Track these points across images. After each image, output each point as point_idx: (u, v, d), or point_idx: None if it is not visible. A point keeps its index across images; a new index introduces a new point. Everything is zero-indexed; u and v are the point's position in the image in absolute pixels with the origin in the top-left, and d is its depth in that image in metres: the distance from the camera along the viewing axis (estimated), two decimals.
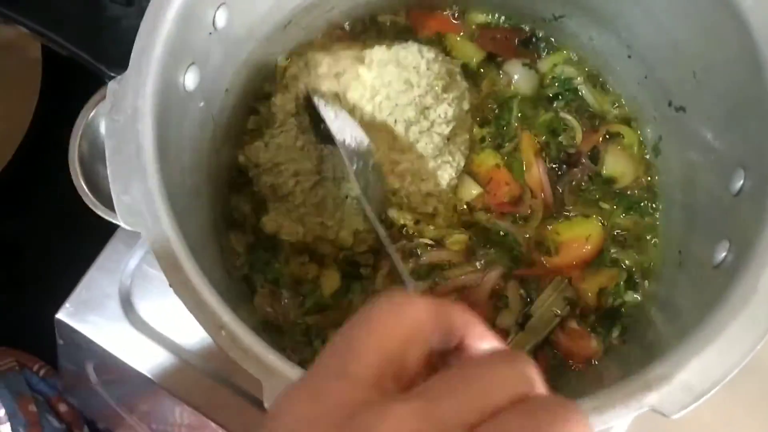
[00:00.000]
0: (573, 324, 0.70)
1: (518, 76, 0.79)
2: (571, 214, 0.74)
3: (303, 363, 0.68)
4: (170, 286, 0.50)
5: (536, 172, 0.75)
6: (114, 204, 0.52)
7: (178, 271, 0.50)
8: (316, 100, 0.70)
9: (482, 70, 0.80)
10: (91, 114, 0.82)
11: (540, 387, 0.30)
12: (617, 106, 0.78)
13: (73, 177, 0.81)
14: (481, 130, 0.77)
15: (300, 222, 0.70)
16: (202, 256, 0.54)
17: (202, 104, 0.63)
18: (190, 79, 0.60)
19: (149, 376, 0.75)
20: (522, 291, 0.72)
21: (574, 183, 0.75)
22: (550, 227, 0.74)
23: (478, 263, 0.73)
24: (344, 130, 0.68)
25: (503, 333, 0.70)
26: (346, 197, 0.71)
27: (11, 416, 0.76)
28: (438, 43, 0.80)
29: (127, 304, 0.77)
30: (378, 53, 0.72)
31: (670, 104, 0.69)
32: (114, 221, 0.79)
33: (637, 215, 0.74)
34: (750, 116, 0.57)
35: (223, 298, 0.51)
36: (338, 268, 0.72)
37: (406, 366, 0.31)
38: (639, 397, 0.47)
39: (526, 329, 0.70)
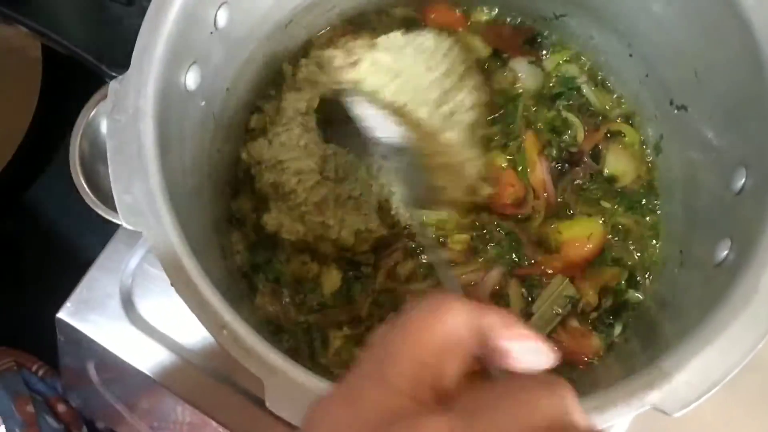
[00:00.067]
0: (574, 323, 0.70)
1: (524, 74, 0.79)
2: (573, 213, 0.74)
3: (304, 362, 0.69)
4: (172, 285, 0.50)
5: (540, 172, 0.75)
6: (115, 204, 0.52)
7: (180, 271, 0.50)
8: (348, 101, 0.69)
9: (487, 65, 0.79)
10: (92, 113, 0.82)
11: (578, 416, 0.30)
12: (618, 105, 0.78)
13: (74, 176, 0.81)
14: (490, 129, 0.77)
15: (301, 221, 0.70)
16: (204, 256, 0.54)
17: (203, 103, 0.63)
18: (191, 79, 0.60)
19: (150, 375, 0.75)
20: (523, 290, 0.72)
21: (576, 182, 0.75)
22: (552, 226, 0.74)
23: (479, 262, 0.73)
24: (380, 127, 0.67)
25: None
26: (348, 197, 0.71)
27: (7, 417, 0.75)
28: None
29: (128, 304, 0.78)
30: (394, 38, 0.72)
31: (671, 103, 0.69)
32: (115, 221, 0.79)
33: (638, 214, 0.74)
34: (751, 115, 0.57)
35: (225, 297, 0.51)
36: (339, 267, 0.72)
37: (443, 374, 0.31)
38: (641, 396, 0.47)
39: None
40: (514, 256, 0.72)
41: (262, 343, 0.48)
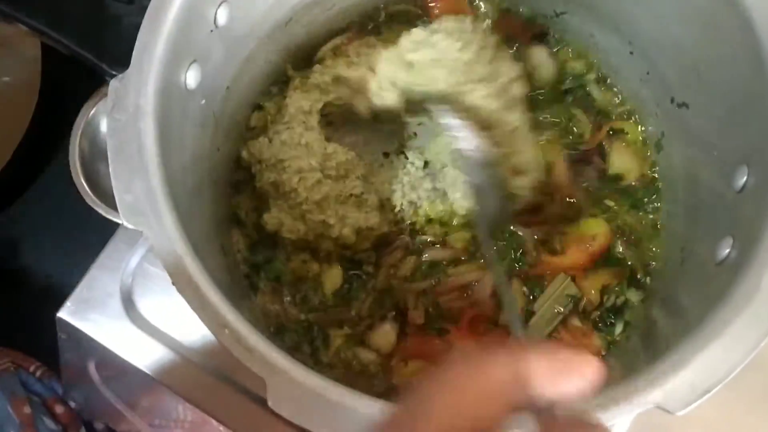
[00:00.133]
0: (575, 321, 0.70)
1: (540, 63, 0.78)
2: (581, 214, 0.74)
3: (305, 361, 0.69)
4: (173, 285, 0.50)
5: (560, 173, 0.74)
6: (116, 203, 0.52)
7: (182, 271, 0.50)
8: (434, 108, 0.68)
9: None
10: (92, 112, 0.82)
11: None
12: (619, 103, 0.78)
13: (74, 175, 0.81)
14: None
15: (301, 219, 0.70)
16: (204, 255, 0.54)
17: (203, 102, 0.63)
18: (191, 77, 0.60)
19: (151, 373, 0.75)
20: (524, 288, 0.72)
21: (587, 183, 0.75)
22: (558, 227, 0.73)
23: (480, 261, 0.73)
24: (466, 140, 0.66)
25: (506, 330, 0.70)
26: (350, 195, 0.71)
27: (4, 418, 0.75)
28: None
29: (128, 303, 0.77)
30: (415, 35, 0.71)
31: (672, 101, 0.69)
32: (115, 220, 0.79)
33: (640, 213, 0.74)
34: (753, 113, 0.57)
35: (225, 296, 0.51)
36: (340, 266, 0.72)
37: (485, 421, 0.31)
38: (643, 395, 0.47)
39: (529, 327, 0.70)
40: (515, 255, 0.72)
41: (264, 342, 0.48)
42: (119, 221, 0.79)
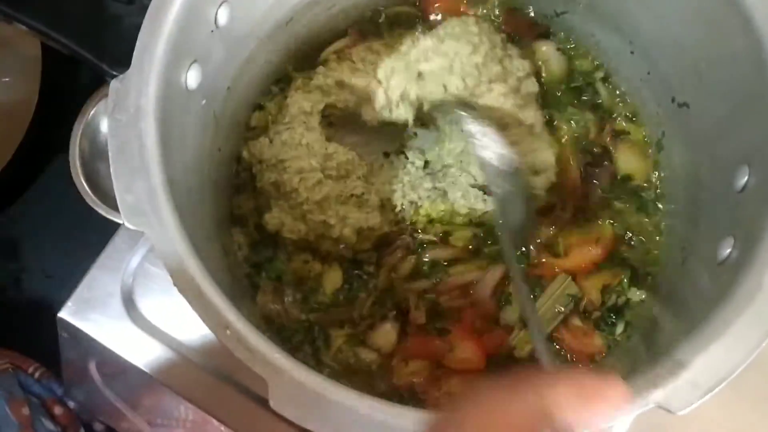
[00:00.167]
0: (576, 321, 0.70)
1: (550, 57, 0.78)
2: (587, 217, 0.73)
3: (307, 360, 0.69)
4: (175, 286, 0.50)
5: (573, 174, 0.73)
6: (118, 203, 0.52)
7: (183, 271, 0.50)
8: (461, 113, 0.68)
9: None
10: (92, 112, 0.82)
11: None
12: (621, 103, 0.78)
13: (74, 175, 0.81)
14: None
15: (302, 220, 0.70)
16: (205, 255, 0.54)
17: (203, 102, 0.63)
18: (192, 78, 0.60)
19: (152, 373, 0.75)
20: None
21: (599, 188, 0.74)
22: (561, 230, 0.73)
23: (481, 260, 0.73)
24: (489, 147, 0.65)
25: (507, 330, 0.70)
26: (351, 195, 0.71)
27: (2, 419, 0.75)
28: None
29: (129, 303, 0.78)
30: (423, 43, 0.71)
31: (673, 100, 0.69)
32: (115, 219, 0.79)
33: (643, 213, 0.74)
34: (754, 113, 0.57)
35: (227, 296, 0.51)
36: (340, 266, 0.72)
37: None
38: (645, 394, 0.47)
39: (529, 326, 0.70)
40: (519, 251, 0.72)
41: (266, 343, 0.48)
42: (119, 221, 0.79)
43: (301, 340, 0.71)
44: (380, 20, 0.80)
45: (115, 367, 0.77)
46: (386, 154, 0.76)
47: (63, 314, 0.77)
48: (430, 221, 0.74)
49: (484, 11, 0.80)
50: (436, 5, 0.80)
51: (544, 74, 0.78)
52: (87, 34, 0.72)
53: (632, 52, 0.73)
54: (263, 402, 0.47)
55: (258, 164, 0.72)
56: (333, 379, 0.48)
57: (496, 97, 0.69)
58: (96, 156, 0.83)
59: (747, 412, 0.69)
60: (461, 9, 0.80)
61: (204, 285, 0.50)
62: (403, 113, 0.70)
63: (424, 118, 0.74)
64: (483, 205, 0.73)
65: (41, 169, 0.91)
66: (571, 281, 0.71)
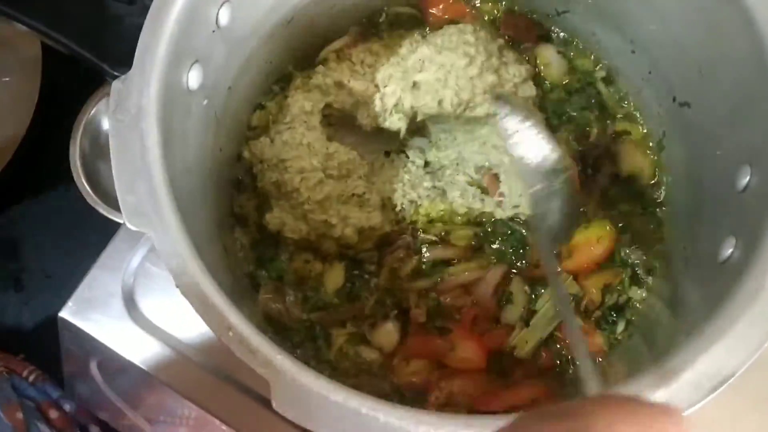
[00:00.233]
0: (577, 320, 0.70)
1: (550, 61, 0.78)
2: (589, 218, 0.73)
3: (308, 360, 0.69)
4: (177, 287, 0.50)
5: (572, 177, 0.71)
6: (119, 204, 0.52)
7: (185, 272, 0.50)
8: (500, 106, 0.65)
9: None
10: (92, 112, 0.82)
11: None
12: (622, 103, 0.78)
13: (75, 175, 0.80)
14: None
15: (303, 219, 0.70)
16: (207, 255, 0.54)
17: (205, 102, 0.63)
18: (193, 78, 0.60)
19: (153, 373, 0.75)
20: (527, 287, 0.72)
21: (600, 188, 0.74)
22: None
23: (481, 260, 0.73)
24: (525, 143, 0.63)
25: (508, 329, 0.70)
26: (352, 195, 0.71)
27: None
28: None
29: (130, 302, 0.78)
30: (422, 53, 0.71)
31: (674, 100, 0.69)
32: (116, 219, 0.79)
33: (644, 213, 0.74)
34: (755, 112, 0.57)
35: (228, 297, 0.50)
36: (342, 265, 0.72)
37: None
38: (647, 394, 0.47)
39: (530, 325, 0.70)
40: (516, 254, 0.72)
41: (268, 344, 0.48)
42: (120, 221, 0.79)
43: (302, 340, 0.71)
44: (380, 20, 0.80)
45: (116, 367, 0.77)
46: (387, 153, 0.76)
47: (64, 314, 0.77)
48: (430, 221, 0.74)
49: (485, 12, 0.80)
50: (437, 7, 0.79)
51: (544, 77, 0.78)
52: (88, 34, 0.72)
53: (633, 52, 0.73)
54: (264, 401, 0.47)
55: (259, 164, 0.72)
56: (334, 379, 0.48)
57: (488, 107, 0.69)
58: (96, 155, 0.83)
59: (749, 412, 0.69)
60: (460, 10, 0.80)
61: (206, 286, 0.50)
62: (396, 122, 0.71)
63: (418, 126, 0.74)
64: (481, 204, 0.73)
65: (41, 169, 0.91)
66: (572, 280, 0.71)
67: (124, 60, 0.56)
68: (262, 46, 0.70)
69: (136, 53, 0.55)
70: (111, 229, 0.80)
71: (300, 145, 0.70)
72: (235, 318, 0.49)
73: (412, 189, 0.74)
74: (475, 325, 0.71)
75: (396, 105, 0.70)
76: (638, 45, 0.72)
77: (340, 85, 0.73)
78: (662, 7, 0.66)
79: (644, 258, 0.72)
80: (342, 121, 0.75)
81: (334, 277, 0.72)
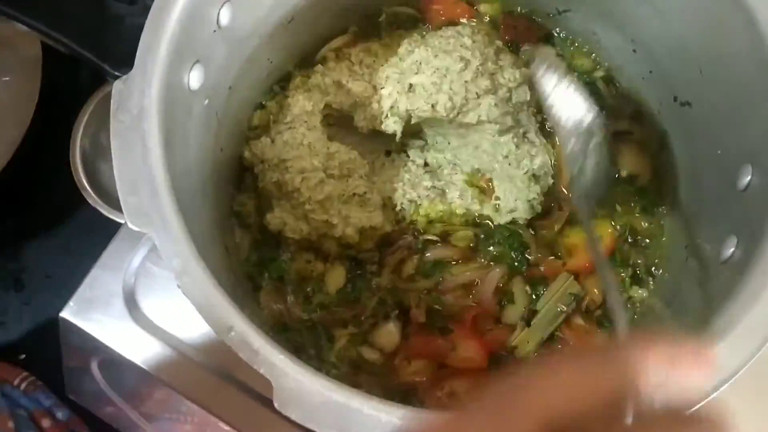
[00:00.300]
0: (578, 320, 0.70)
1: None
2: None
3: (310, 360, 0.69)
4: (179, 287, 0.50)
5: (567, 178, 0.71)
6: (121, 205, 0.52)
7: (187, 273, 0.50)
8: (537, 62, 0.63)
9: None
10: (93, 111, 0.82)
11: None
12: (623, 102, 0.77)
13: (75, 175, 0.80)
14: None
15: (304, 219, 0.70)
16: (208, 255, 0.54)
17: (206, 102, 0.63)
18: (194, 78, 0.59)
19: (154, 373, 0.75)
20: (527, 287, 0.72)
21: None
22: (563, 232, 0.73)
23: (482, 260, 0.73)
24: (562, 102, 0.61)
25: (509, 329, 0.70)
26: (353, 194, 0.71)
27: None
28: None
29: (131, 302, 0.78)
30: (419, 55, 0.71)
31: (675, 99, 0.69)
32: (117, 219, 0.79)
33: (644, 212, 0.74)
34: (757, 111, 0.57)
35: (230, 297, 0.50)
36: (343, 265, 0.72)
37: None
38: (648, 395, 0.47)
39: (532, 325, 0.70)
40: (516, 255, 0.72)
41: (271, 344, 0.48)
42: (121, 220, 0.79)
43: (303, 340, 0.71)
44: (380, 19, 0.80)
45: (117, 367, 0.77)
46: (387, 153, 0.76)
47: (65, 314, 0.77)
48: (430, 221, 0.74)
49: (485, 12, 0.80)
50: (437, 8, 0.80)
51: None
52: (88, 34, 0.72)
53: (634, 51, 0.73)
54: (266, 401, 0.47)
55: (260, 164, 0.72)
56: (336, 379, 0.48)
57: (485, 108, 0.69)
58: (97, 155, 0.83)
59: (750, 412, 0.69)
60: (460, 10, 0.80)
61: (208, 286, 0.50)
62: (392, 125, 0.71)
63: (413, 129, 0.74)
64: (479, 206, 0.74)
65: (41, 169, 0.91)
66: (573, 280, 0.71)
67: (124, 60, 0.56)
68: (262, 45, 0.70)
69: (138, 53, 0.55)
70: (112, 228, 0.80)
71: (301, 145, 0.70)
72: (236, 318, 0.49)
73: (412, 188, 0.74)
74: (476, 325, 0.71)
75: (392, 108, 0.70)
76: (639, 44, 0.72)
77: (339, 84, 0.73)
78: (663, 7, 0.66)
79: (644, 258, 0.72)
80: (342, 121, 0.75)
81: (336, 277, 0.72)
